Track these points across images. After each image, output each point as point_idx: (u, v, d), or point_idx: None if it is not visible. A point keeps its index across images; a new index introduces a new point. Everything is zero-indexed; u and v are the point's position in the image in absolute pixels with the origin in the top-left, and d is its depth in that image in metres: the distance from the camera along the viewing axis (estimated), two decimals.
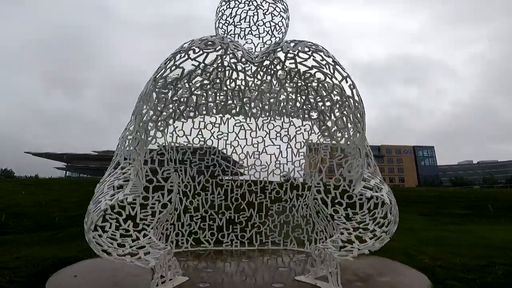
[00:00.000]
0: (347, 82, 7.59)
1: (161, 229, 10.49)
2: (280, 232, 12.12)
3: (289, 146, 13.00)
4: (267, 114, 9.99)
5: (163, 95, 8.02)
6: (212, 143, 12.92)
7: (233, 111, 8.96)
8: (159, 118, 7.99)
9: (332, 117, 8.61)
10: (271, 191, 12.63)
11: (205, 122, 12.94)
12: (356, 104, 7.17)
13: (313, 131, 12.84)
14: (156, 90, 7.81)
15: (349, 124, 8.01)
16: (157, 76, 7.08)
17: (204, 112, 9.02)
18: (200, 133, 12.76)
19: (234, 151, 13.05)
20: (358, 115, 7.04)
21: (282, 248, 12.03)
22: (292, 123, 13.05)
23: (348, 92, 7.58)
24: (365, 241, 7.02)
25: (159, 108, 8.13)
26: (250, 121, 13.39)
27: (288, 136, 13.00)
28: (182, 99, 8.52)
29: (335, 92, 8.33)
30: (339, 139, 8.39)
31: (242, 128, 13.16)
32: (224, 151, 13.15)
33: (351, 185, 8.31)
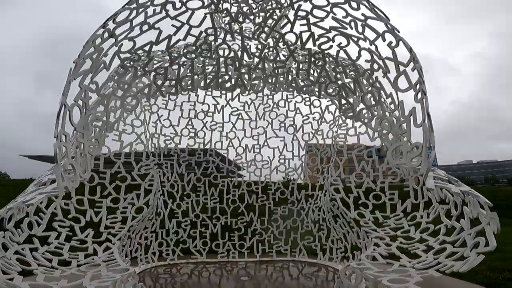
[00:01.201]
0: (384, 40, 5.56)
1: (137, 239, 8.55)
2: (287, 240, 10.46)
3: (295, 138, 11.32)
4: (271, 87, 7.89)
5: (131, 63, 5.98)
6: (205, 134, 11.22)
7: (227, 84, 6.88)
8: (127, 94, 5.92)
9: (358, 93, 6.59)
10: (274, 191, 10.98)
11: (195, 110, 11.16)
12: (403, 66, 5.15)
13: (323, 120, 11.01)
14: (121, 56, 5.75)
15: (383, 98, 5.99)
16: (113, 31, 5.03)
17: (189, 87, 6.94)
18: (190, 123, 11.03)
19: (230, 144, 11.32)
20: (419, 70, 4.97)
21: (289, 259, 10.34)
22: (298, 111, 11.28)
23: (386, 53, 5.56)
24: (416, 255, 4.99)
25: (127, 80, 6.08)
26: (249, 108, 11.61)
27: (294, 126, 11.37)
28: (159, 70, 6.46)
29: (364, 60, 6.30)
30: (367, 120, 6.36)
31: (240, 117, 11.49)
32: (219, 144, 11.36)
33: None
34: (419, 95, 4.55)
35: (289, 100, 11.17)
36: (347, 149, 9.32)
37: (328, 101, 10.60)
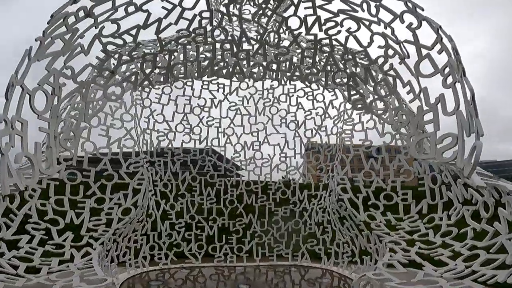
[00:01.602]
0: (402, 21, 4.93)
1: (126, 243, 7.95)
2: (288, 243, 9.99)
3: (297, 134, 10.80)
4: (273, 75, 7.25)
5: (114, 48, 5.36)
6: (201, 130, 10.68)
7: (223, 71, 6.23)
8: (109, 83, 5.29)
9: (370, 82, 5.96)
10: (275, 191, 10.48)
11: (191, 105, 10.57)
12: (427, 49, 4.51)
13: (327, 115, 10.41)
14: (103, 40, 5.11)
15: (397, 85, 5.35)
16: (91, 10, 4.38)
17: (181, 76, 6.28)
18: (185, 118, 10.51)
19: (228, 141, 10.82)
20: (453, 51, 4.31)
21: (291, 263, 9.83)
22: (300, 106, 10.69)
23: (404, 35, 4.93)
24: (441, 263, 4.37)
25: (111, 68, 5.43)
26: (248, 103, 11.03)
27: (296, 122, 10.82)
28: (147, 57, 5.81)
29: (377, 46, 5.67)
30: (380, 112, 5.72)
31: (238, 112, 10.95)
32: (216, 141, 10.83)
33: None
34: (449, 79, 3.91)
35: (290, 94, 10.67)
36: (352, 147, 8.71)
37: (332, 95, 10.09)
